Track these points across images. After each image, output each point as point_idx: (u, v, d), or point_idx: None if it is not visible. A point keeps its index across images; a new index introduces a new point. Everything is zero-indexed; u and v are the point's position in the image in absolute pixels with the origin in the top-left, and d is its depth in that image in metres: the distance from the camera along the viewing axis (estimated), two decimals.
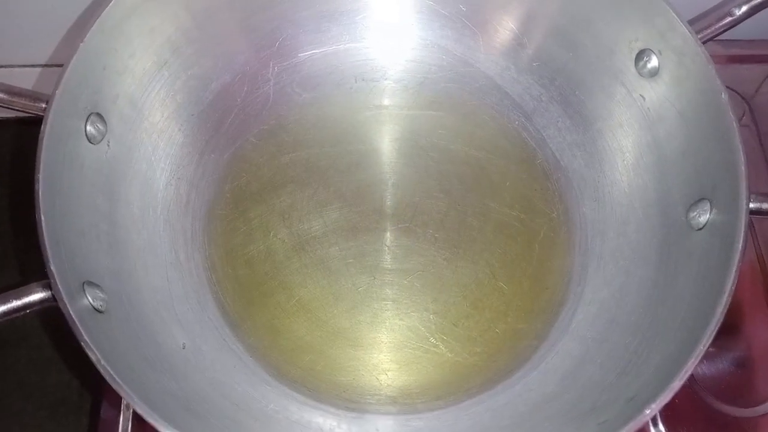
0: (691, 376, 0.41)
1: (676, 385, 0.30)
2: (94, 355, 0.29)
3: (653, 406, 0.30)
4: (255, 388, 0.38)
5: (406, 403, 0.39)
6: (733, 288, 0.32)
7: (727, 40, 0.47)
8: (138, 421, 0.39)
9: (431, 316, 0.41)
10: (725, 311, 0.32)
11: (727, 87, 0.36)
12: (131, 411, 0.40)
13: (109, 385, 0.28)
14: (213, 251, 0.42)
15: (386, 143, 0.46)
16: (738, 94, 0.55)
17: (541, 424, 0.36)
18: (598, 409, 0.34)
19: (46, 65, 0.51)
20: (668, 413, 0.44)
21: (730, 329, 0.46)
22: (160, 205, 0.41)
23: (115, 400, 0.41)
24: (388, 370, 0.40)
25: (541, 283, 0.42)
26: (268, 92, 0.46)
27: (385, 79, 0.47)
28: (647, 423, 0.43)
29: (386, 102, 0.47)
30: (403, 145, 0.46)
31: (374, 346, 0.41)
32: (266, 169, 0.45)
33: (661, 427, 0.44)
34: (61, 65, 0.35)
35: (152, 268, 0.39)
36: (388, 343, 0.41)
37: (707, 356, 0.42)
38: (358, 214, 0.44)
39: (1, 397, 0.54)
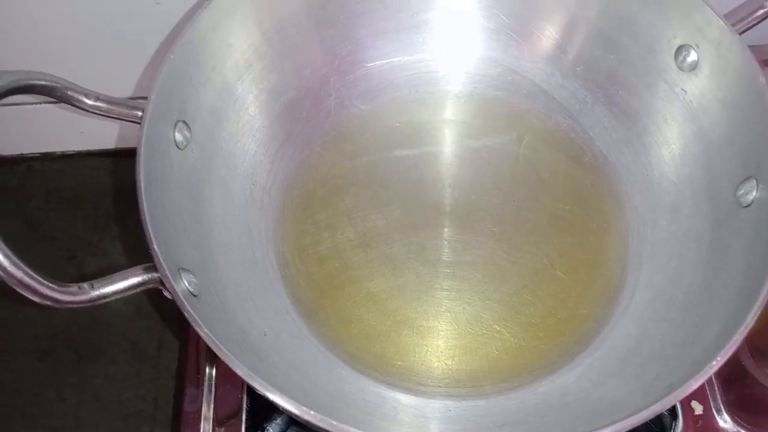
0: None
1: (738, 338, 0.32)
2: (200, 328, 0.31)
3: (718, 358, 0.31)
4: (331, 372, 0.40)
5: (474, 385, 0.41)
6: None
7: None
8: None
9: (494, 305, 0.44)
10: None
11: None
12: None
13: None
14: (286, 250, 0.45)
15: (441, 147, 0.49)
16: None
17: (607, 396, 0.38)
18: (662, 376, 0.36)
19: (132, 98, 0.56)
20: (731, 403, 0.46)
21: None
22: (237, 207, 0.44)
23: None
24: (455, 356, 0.42)
25: (598, 271, 0.44)
26: (330, 106, 0.50)
27: (438, 89, 0.51)
28: (713, 415, 0.44)
29: (439, 111, 0.50)
30: (457, 148, 0.49)
31: (440, 334, 0.43)
32: (330, 175, 0.48)
33: (726, 416, 0.45)
34: (143, 98, 0.39)
35: (232, 263, 0.42)
36: (453, 330, 0.43)
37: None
38: (418, 212, 0.47)
39: (79, 408, 0.58)
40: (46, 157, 0.68)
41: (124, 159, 0.67)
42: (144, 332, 0.61)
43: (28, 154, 0.68)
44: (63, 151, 0.68)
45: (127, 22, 0.52)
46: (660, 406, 0.30)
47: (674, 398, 0.31)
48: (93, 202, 0.66)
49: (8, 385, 0.59)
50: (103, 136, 0.66)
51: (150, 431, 0.57)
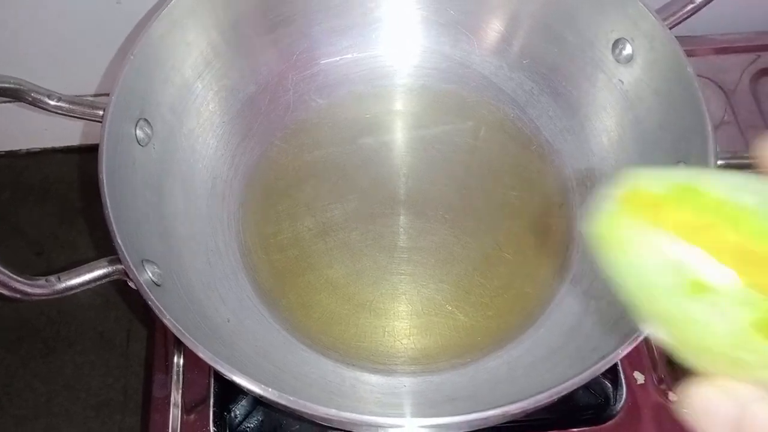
0: None
1: None
2: (164, 316, 0.33)
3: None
4: (294, 355, 0.43)
5: (428, 363, 0.44)
6: None
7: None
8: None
9: (446, 287, 0.46)
10: None
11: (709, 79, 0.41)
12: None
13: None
14: (248, 239, 0.47)
15: (396, 140, 0.52)
16: (720, 88, 0.60)
17: (551, 370, 0.41)
18: (599, 348, 0.39)
19: (96, 95, 0.58)
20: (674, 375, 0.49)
21: None
22: (200, 200, 0.46)
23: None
24: (410, 335, 0.45)
25: (544, 252, 0.47)
26: (288, 100, 0.51)
27: (392, 83, 0.53)
28: (654, 384, 0.47)
29: (393, 104, 0.53)
30: (410, 140, 0.51)
31: (396, 315, 0.45)
32: (290, 167, 0.50)
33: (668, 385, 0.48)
34: (107, 95, 0.40)
35: (196, 253, 0.44)
36: (408, 311, 0.45)
37: None
38: (375, 202, 0.49)
39: (50, 398, 0.59)
40: (12, 155, 0.69)
41: (88, 154, 0.67)
42: (112, 322, 0.62)
43: None
44: (28, 149, 0.69)
45: (89, 21, 0.53)
46: (589, 374, 0.33)
47: (604, 365, 0.33)
48: (59, 197, 0.67)
49: None
50: (68, 133, 0.67)
51: (121, 419, 0.59)
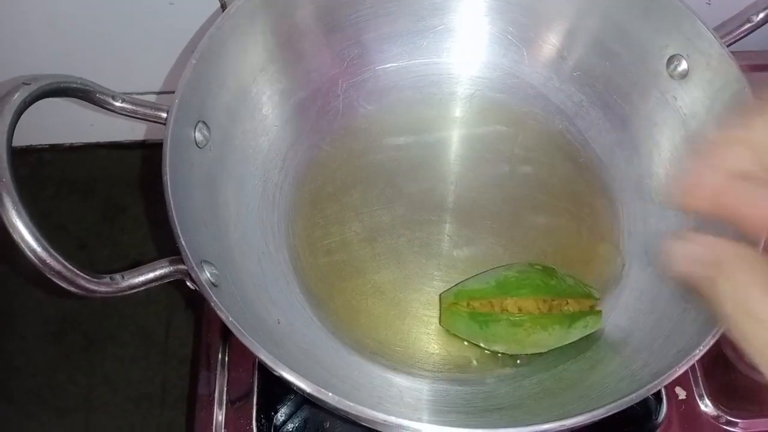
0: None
1: (718, 330, 0.35)
2: (227, 317, 0.34)
3: (701, 348, 0.34)
4: (341, 358, 0.43)
5: (475, 371, 0.44)
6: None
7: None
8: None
9: None
10: None
11: None
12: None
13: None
14: (297, 243, 0.48)
15: (444, 147, 0.52)
16: None
17: (599, 382, 0.41)
18: (650, 365, 0.39)
19: (160, 92, 0.59)
20: (713, 389, 0.49)
21: None
22: (251, 202, 0.47)
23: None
24: (456, 343, 0.45)
25: (591, 265, 0.47)
26: (338, 106, 0.52)
27: (440, 91, 0.53)
28: (696, 400, 0.47)
29: (442, 111, 0.53)
30: (459, 148, 0.52)
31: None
32: (339, 172, 0.50)
33: (707, 401, 0.48)
34: (172, 92, 0.41)
35: (248, 256, 0.44)
36: None
37: None
38: (422, 209, 0.49)
39: (90, 391, 0.60)
40: (55, 149, 0.70)
41: (131, 151, 0.69)
42: (152, 317, 0.63)
43: (37, 145, 0.69)
44: (72, 143, 0.70)
45: (143, 21, 0.54)
46: (645, 391, 0.33)
47: (659, 384, 0.34)
48: (102, 192, 0.68)
49: (23, 369, 0.61)
50: (112, 128, 0.68)
51: (159, 413, 0.60)
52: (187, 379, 0.61)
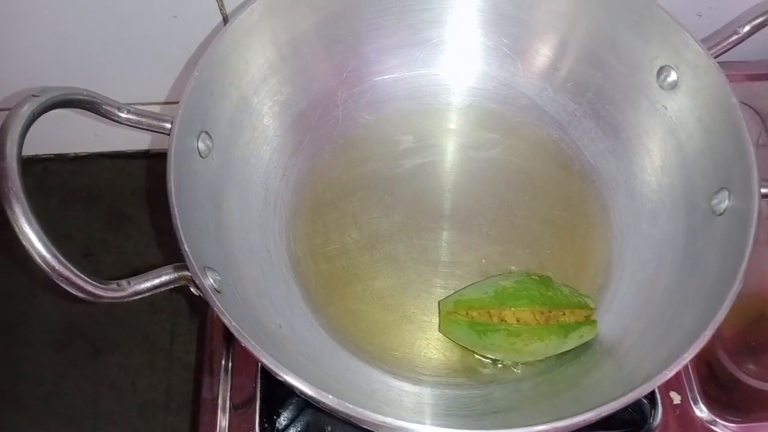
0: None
1: (707, 334, 0.36)
2: (229, 321, 0.35)
3: (689, 351, 0.35)
4: (340, 362, 0.44)
5: (471, 375, 0.45)
6: (750, 256, 0.38)
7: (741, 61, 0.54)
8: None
9: None
10: (744, 276, 0.37)
11: (744, 103, 0.42)
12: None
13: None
14: (298, 249, 0.49)
15: (441, 156, 0.53)
16: (756, 113, 0.61)
17: (593, 385, 0.42)
18: (639, 369, 0.40)
19: (165, 103, 0.60)
20: (707, 394, 0.49)
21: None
22: (253, 210, 0.48)
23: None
24: (453, 348, 0.46)
25: (585, 270, 0.48)
26: (338, 116, 0.53)
27: (437, 101, 0.54)
28: (690, 404, 0.48)
29: (439, 121, 0.54)
30: (455, 157, 0.53)
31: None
32: (339, 181, 0.52)
33: (701, 405, 0.49)
34: (176, 102, 0.42)
35: (250, 262, 0.46)
36: None
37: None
38: (419, 216, 0.51)
39: (96, 398, 0.61)
40: (60, 158, 0.71)
41: (135, 160, 0.70)
42: (156, 326, 0.64)
43: (42, 155, 0.71)
44: (76, 153, 0.71)
45: (148, 33, 0.56)
46: (637, 393, 0.34)
47: (650, 386, 0.34)
48: (107, 201, 0.69)
49: (29, 376, 0.62)
50: (116, 138, 0.69)
51: (164, 418, 0.61)
52: (191, 385, 0.62)
